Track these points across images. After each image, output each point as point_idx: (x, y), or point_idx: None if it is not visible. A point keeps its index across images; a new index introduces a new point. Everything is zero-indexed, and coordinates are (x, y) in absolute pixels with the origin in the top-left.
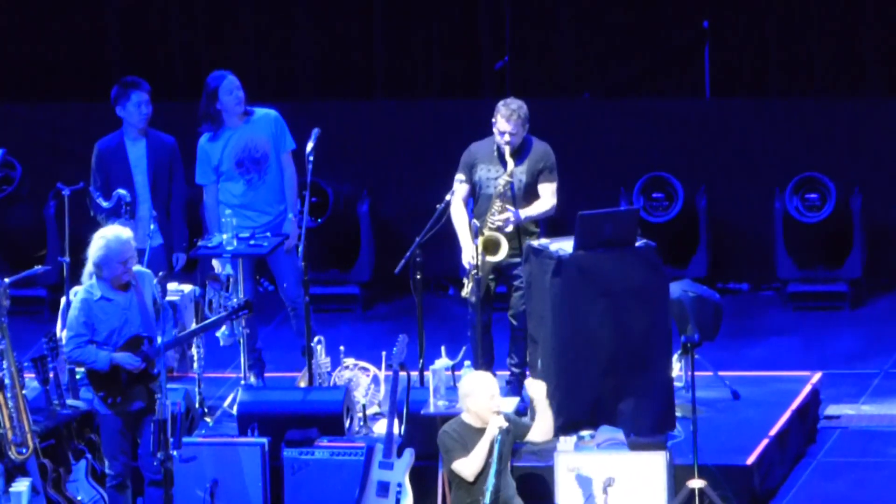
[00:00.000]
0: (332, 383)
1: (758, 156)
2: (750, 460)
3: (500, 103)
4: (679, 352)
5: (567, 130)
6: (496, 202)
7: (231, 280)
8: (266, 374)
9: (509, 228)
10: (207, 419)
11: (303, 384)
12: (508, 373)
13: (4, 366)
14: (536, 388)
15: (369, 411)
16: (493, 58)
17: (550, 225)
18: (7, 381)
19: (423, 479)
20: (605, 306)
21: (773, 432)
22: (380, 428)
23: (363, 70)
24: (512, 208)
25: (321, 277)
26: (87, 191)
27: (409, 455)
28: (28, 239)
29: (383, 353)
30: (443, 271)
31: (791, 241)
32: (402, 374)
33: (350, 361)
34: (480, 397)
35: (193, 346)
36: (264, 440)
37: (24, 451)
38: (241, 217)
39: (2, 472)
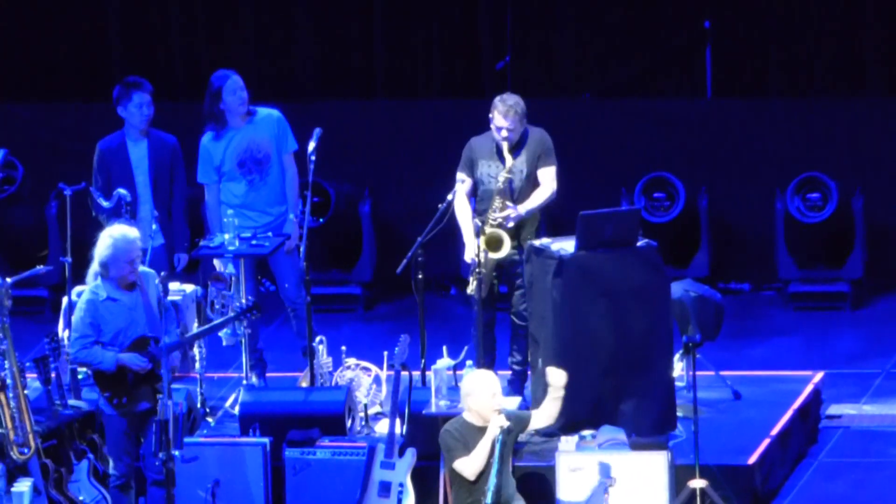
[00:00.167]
0: (333, 383)
1: (759, 156)
2: (751, 460)
3: (497, 99)
4: (680, 352)
5: (568, 130)
6: (496, 199)
7: (234, 279)
8: (268, 375)
9: (511, 224)
10: (209, 419)
11: (304, 384)
12: (510, 372)
13: (6, 366)
14: (557, 376)
15: (371, 411)
16: (493, 58)
17: (551, 225)
18: (9, 381)
19: (424, 479)
20: (607, 306)
21: (774, 432)
22: (381, 428)
23: (363, 70)
24: (512, 204)
25: (323, 277)
26: (88, 191)
27: (410, 455)
28: (30, 239)
29: (385, 353)
30: (444, 271)
31: (792, 241)
32: (404, 374)
33: (352, 361)
34: (482, 396)
35: (195, 346)
36: (266, 440)
37: (25, 451)
38: (242, 217)
39: (3, 472)
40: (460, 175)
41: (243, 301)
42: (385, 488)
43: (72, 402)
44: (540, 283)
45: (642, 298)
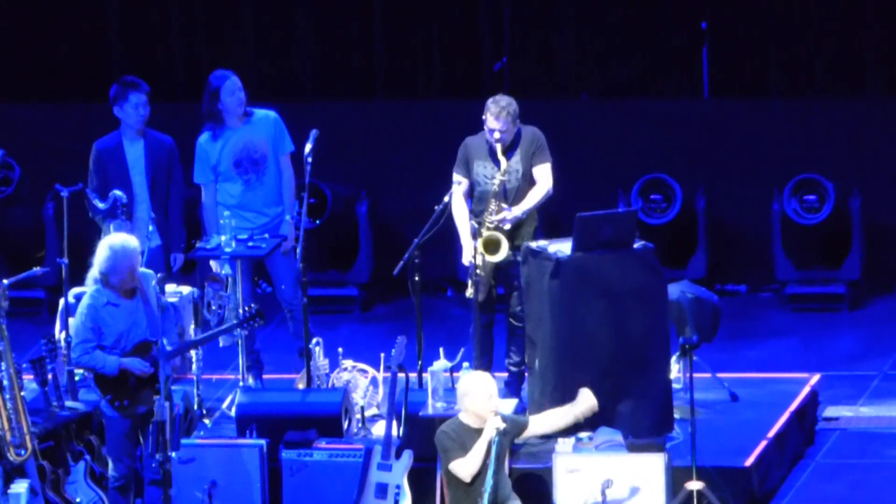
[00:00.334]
0: (330, 385)
1: (756, 157)
2: (748, 462)
3: (490, 101)
4: (677, 353)
5: (565, 131)
6: (492, 202)
7: (230, 280)
8: (264, 376)
9: (507, 226)
10: (206, 420)
11: (301, 386)
12: (507, 374)
13: (3, 367)
14: (587, 405)
15: (368, 413)
16: (492, 58)
17: (548, 226)
18: (6, 382)
19: (421, 480)
20: (604, 308)
21: (771, 434)
22: (378, 429)
23: (363, 70)
24: (507, 206)
25: (320, 279)
26: (84, 191)
27: (407, 457)
28: (27, 240)
29: (382, 355)
30: (441, 273)
31: (789, 242)
32: (401, 375)
33: (348, 363)
34: (478, 397)
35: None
36: (263, 442)
37: (22, 452)
38: (238, 218)
39: (0, 473)
40: (457, 176)
41: (240, 303)
42: (382, 490)
43: (69, 403)
44: (537, 284)
45: (639, 300)
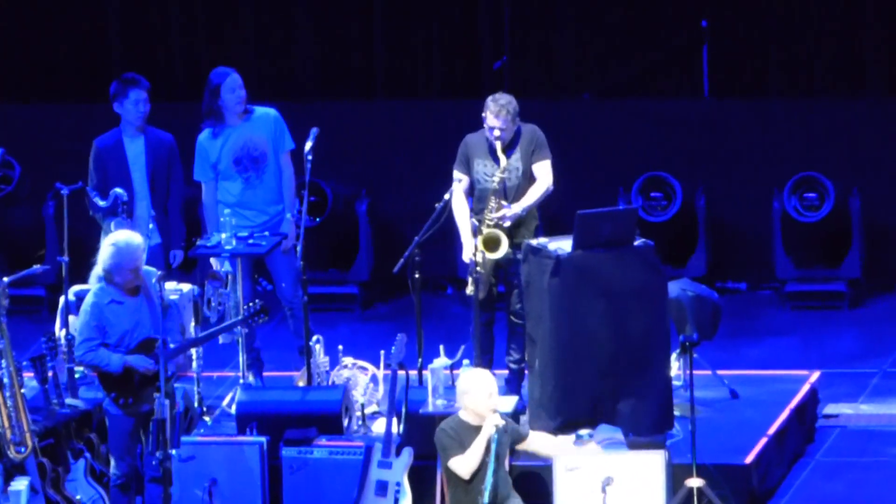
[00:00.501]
0: (330, 382)
1: (756, 155)
2: (748, 459)
3: (489, 99)
4: (678, 351)
5: (566, 130)
6: (492, 199)
7: (230, 278)
8: (264, 374)
9: (507, 224)
10: (206, 418)
11: (301, 383)
12: (507, 371)
13: (3, 365)
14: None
15: (368, 410)
16: (492, 58)
17: (549, 224)
18: (6, 380)
19: (421, 478)
20: (604, 306)
21: (771, 431)
22: (378, 427)
23: (363, 70)
24: (507, 204)
25: (320, 277)
26: (85, 190)
27: (407, 454)
28: (27, 238)
29: (382, 353)
30: (441, 271)
31: (789, 240)
32: (401, 373)
33: (349, 361)
34: (478, 395)
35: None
36: (263, 439)
37: (22, 450)
38: (238, 216)
39: (0, 471)
40: (457, 174)
41: (240, 300)
42: (382, 487)
43: (69, 401)
44: (537, 282)
45: (639, 298)
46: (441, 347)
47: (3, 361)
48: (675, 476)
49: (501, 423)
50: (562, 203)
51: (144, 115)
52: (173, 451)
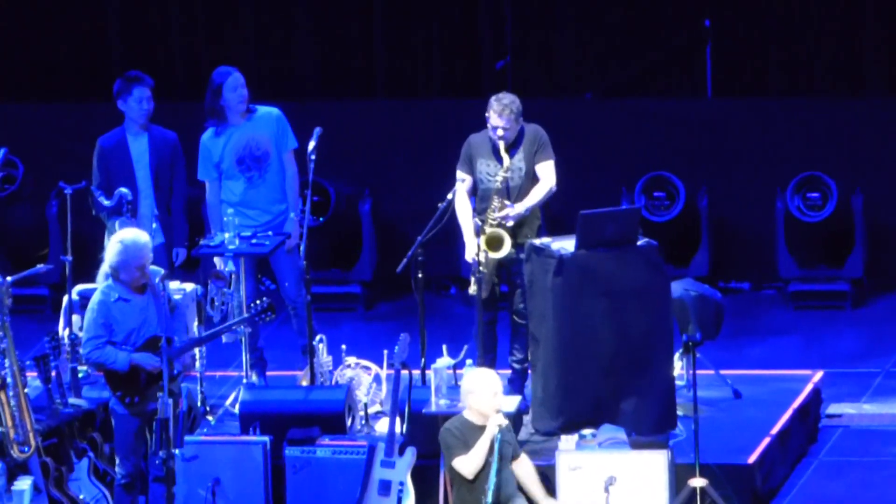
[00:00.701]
0: (333, 382)
1: (759, 155)
2: (751, 459)
3: (493, 98)
4: (680, 351)
5: (568, 130)
6: (495, 199)
7: (234, 277)
8: (268, 373)
9: (510, 223)
10: (209, 418)
11: (304, 383)
12: (510, 371)
13: (6, 364)
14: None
15: (371, 410)
16: (493, 58)
17: (552, 224)
18: (9, 379)
19: (424, 477)
20: (607, 305)
21: (774, 431)
22: (381, 427)
23: (364, 70)
24: (510, 203)
25: (323, 276)
26: (89, 189)
27: (410, 454)
28: (30, 238)
29: (385, 352)
30: (444, 270)
31: (792, 240)
32: (404, 372)
33: (352, 360)
34: (483, 394)
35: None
36: (266, 439)
37: (26, 449)
38: (242, 216)
39: (4, 470)
40: (460, 174)
41: (243, 300)
42: (385, 487)
43: (72, 400)
44: (540, 282)
45: (643, 298)
46: (444, 347)
47: (6, 361)
48: (678, 476)
49: (505, 422)
50: (565, 203)
51: (148, 112)
52: (177, 451)
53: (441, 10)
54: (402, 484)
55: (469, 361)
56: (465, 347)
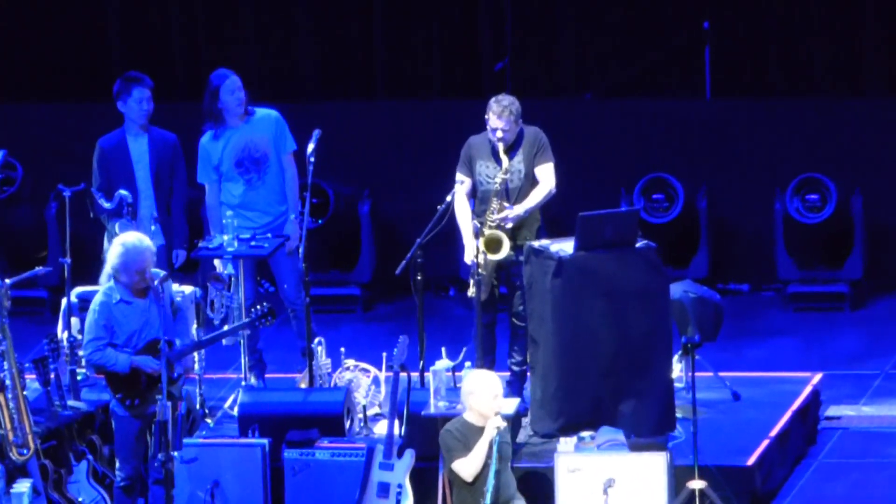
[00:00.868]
0: (332, 384)
1: (758, 156)
2: (750, 461)
3: (492, 100)
4: (679, 352)
5: (567, 131)
6: (494, 200)
7: (233, 280)
8: (267, 375)
9: (509, 225)
10: (208, 420)
11: (303, 385)
12: (509, 373)
13: (5, 367)
14: None
15: (370, 412)
16: (493, 58)
17: (551, 226)
18: (8, 382)
19: (423, 480)
20: (606, 307)
21: (773, 433)
22: (380, 429)
23: (363, 70)
24: (509, 205)
25: (322, 278)
26: (89, 191)
27: (409, 456)
28: (29, 240)
29: (384, 355)
30: (444, 272)
31: (791, 241)
32: (403, 375)
33: (351, 362)
34: (483, 396)
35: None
36: (265, 441)
37: (25, 452)
38: (241, 218)
39: (3, 473)
40: (459, 176)
41: (242, 302)
42: (384, 489)
43: (71, 402)
44: (539, 283)
45: (642, 299)
46: (443, 349)
47: (5, 363)
48: (676, 478)
49: (504, 424)
50: (563, 204)
51: (148, 113)
52: (176, 453)
53: (441, 10)
54: (400, 486)
55: (468, 363)
56: (464, 349)
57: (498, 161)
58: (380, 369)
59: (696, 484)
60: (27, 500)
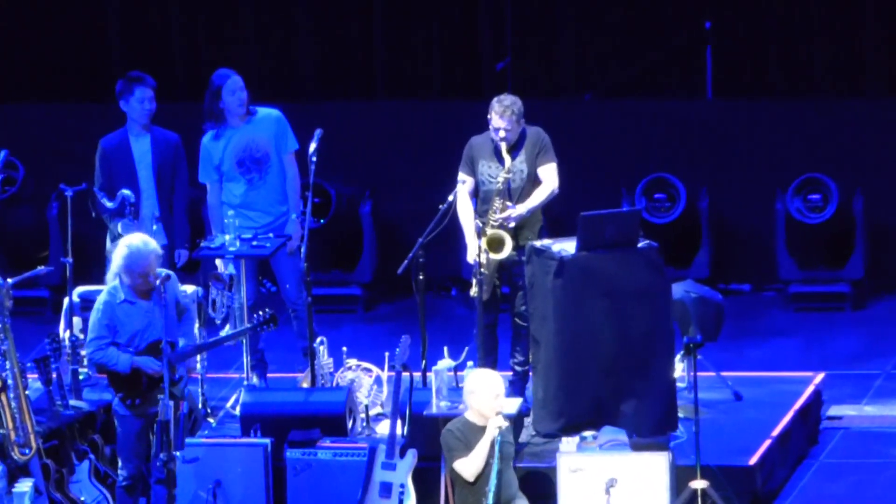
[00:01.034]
0: (334, 384)
1: (760, 156)
2: (752, 461)
3: (495, 100)
4: (681, 352)
5: (569, 131)
6: (496, 200)
7: (234, 280)
8: (268, 375)
9: (511, 224)
10: (210, 420)
11: (305, 385)
12: (511, 373)
13: (7, 366)
14: None
15: (372, 412)
16: (493, 58)
17: (553, 225)
18: (10, 381)
19: (425, 479)
20: (607, 307)
21: (775, 433)
22: (382, 429)
23: (364, 70)
24: (511, 204)
25: (323, 278)
26: (92, 191)
27: (411, 456)
28: (30, 240)
29: (386, 354)
30: (445, 272)
31: (793, 241)
32: (405, 374)
33: (353, 362)
34: (485, 396)
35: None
36: (267, 441)
37: (26, 451)
38: (242, 217)
39: (5, 472)
40: (461, 175)
41: (244, 302)
42: (386, 489)
43: (73, 402)
44: (541, 283)
45: (643, 299)
46: (445, 349)
47: (7, 363)
48: (678, 477)
49: (505, 424)
50: (565, 204)
51: (150, 113)
52: (178, 453)
53: (441, 10)
54: (402, 486)
55: (470, 363)
56: (466, 349)
57: (500, 161)
58: (382, 369)
59: (698, 484)
60: (29, 500)
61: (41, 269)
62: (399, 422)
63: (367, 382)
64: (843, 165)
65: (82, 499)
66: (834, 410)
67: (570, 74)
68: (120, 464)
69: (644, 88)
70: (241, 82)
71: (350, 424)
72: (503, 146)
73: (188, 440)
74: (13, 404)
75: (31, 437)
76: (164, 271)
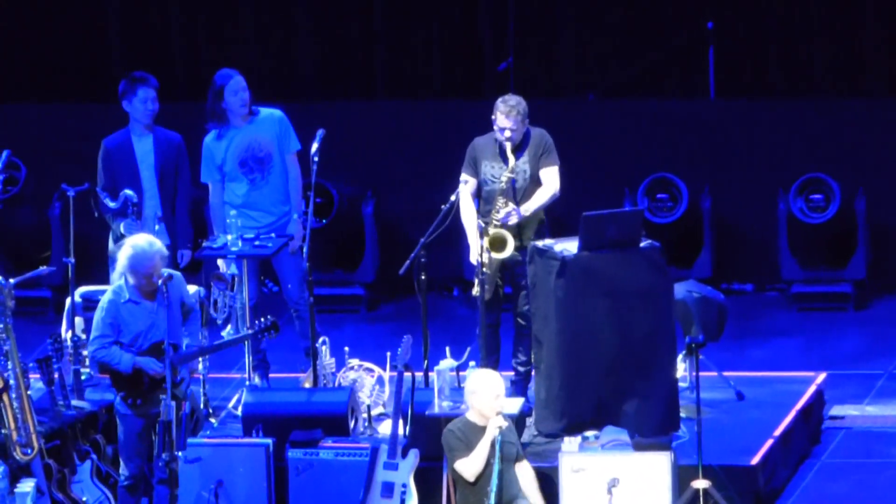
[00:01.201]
0: (336, 384)
1: (762, 156)
2: (754, 461)
3: (499, 100)
4: (683, 352)
5: (571, 131)
6: (499, 199)
7: (236, 279)
8: (270, 375)
9: (512, 221)
10: (212, 420)
11: (307, 385)
12: (514, 373)
13: (9, 367)
14: None
15: (374, 412)
16: (493, 58)
17: (554, 225)
18: (12, 381)
19: (427, 479)
20: (610, 307)
21: (777, 433)
22: (384, 429)
23: (364, 70)
24: (514, 205)
25: (325, 278)
26: (94, 191)
27: (413, 456)
28: (33, 240)
29: (388, 354)
30: (447, 272)
31: (795, 241)
32: (407, 374)
33: (355, 362)
34: (485, 396)
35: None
36: (269, 441)
37: (28, 451)
38: (245, 217)
39: (7, 472)
40: (464, 176)
41: (246, 302)
42: (388, 489)
43: (75, 402)
44: (543, 283)
45: (645, 299)
46: (447, 349)
47: (9, 363)
48: (680, 477)
49: (505, 424)
50: (567, 204)
51: (153, 113)
52: (180, 453)
53: (441, 10)
54: (405, 486)
55: (472, 363)
56: (469, 349)
57: (504, 161)
58: (384, 369)
59: (700, 483)
60: (31, 500)
61: (43, 269)
62: (401, 422)
63: (369, 382)
64: (844, 165)
65: (84, 499)
66: (836, 410)
67: (571, 75)
68: (122, 463)
69: (646, 88)
70: (243, 82)
71: (352, 424)
72: (508, 146)
73: (190, 440)
74: (15, 404)
75: (33, 437)
76: (168, 271)
